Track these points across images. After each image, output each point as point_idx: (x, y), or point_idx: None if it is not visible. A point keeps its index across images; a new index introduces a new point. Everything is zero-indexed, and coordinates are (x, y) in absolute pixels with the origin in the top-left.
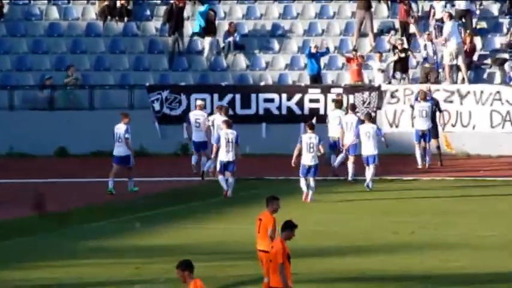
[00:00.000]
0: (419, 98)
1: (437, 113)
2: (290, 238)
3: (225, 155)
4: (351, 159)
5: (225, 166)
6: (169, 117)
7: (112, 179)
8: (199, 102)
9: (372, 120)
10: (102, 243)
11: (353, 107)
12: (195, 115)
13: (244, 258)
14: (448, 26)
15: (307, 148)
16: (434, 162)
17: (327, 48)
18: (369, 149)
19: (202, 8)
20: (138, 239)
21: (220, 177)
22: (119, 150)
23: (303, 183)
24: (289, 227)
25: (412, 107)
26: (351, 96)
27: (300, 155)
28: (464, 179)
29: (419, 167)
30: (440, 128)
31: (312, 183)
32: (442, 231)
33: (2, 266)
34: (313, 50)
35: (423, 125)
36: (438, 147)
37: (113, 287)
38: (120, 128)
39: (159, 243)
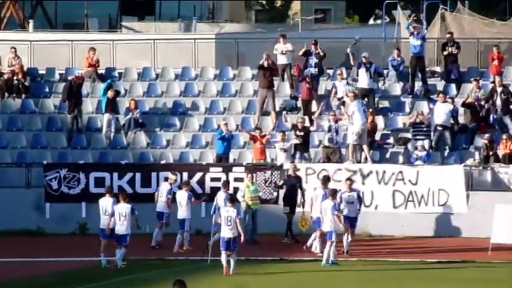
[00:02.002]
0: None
1: (299, 191)
2: None
3: (120, 228)
4: (317, 233)
5: (119, 239)
6: (68, 196)
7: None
8: (172, 176)
9: (335, 197)
10: None
11: (324, 181)
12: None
13: None
14: (353, 105)
15: (225, 221)
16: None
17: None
18: (325, 225)
19: (106, 81)
20: None
21: (116, 251)
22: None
23: (223, 257)
24: None
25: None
26: (254, 175)
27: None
28: (366, 259)
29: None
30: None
31: (233, 255)
32: None
33: None
34: (224, 133)
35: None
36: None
37: None
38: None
39: None
